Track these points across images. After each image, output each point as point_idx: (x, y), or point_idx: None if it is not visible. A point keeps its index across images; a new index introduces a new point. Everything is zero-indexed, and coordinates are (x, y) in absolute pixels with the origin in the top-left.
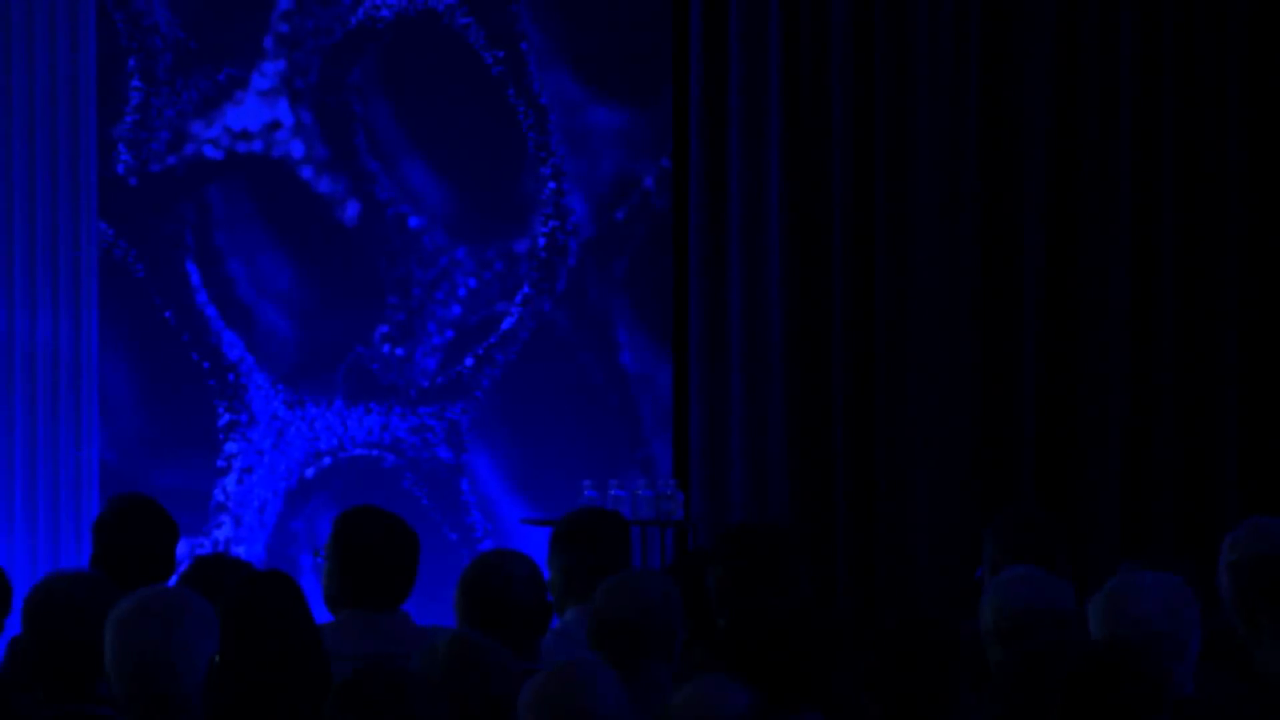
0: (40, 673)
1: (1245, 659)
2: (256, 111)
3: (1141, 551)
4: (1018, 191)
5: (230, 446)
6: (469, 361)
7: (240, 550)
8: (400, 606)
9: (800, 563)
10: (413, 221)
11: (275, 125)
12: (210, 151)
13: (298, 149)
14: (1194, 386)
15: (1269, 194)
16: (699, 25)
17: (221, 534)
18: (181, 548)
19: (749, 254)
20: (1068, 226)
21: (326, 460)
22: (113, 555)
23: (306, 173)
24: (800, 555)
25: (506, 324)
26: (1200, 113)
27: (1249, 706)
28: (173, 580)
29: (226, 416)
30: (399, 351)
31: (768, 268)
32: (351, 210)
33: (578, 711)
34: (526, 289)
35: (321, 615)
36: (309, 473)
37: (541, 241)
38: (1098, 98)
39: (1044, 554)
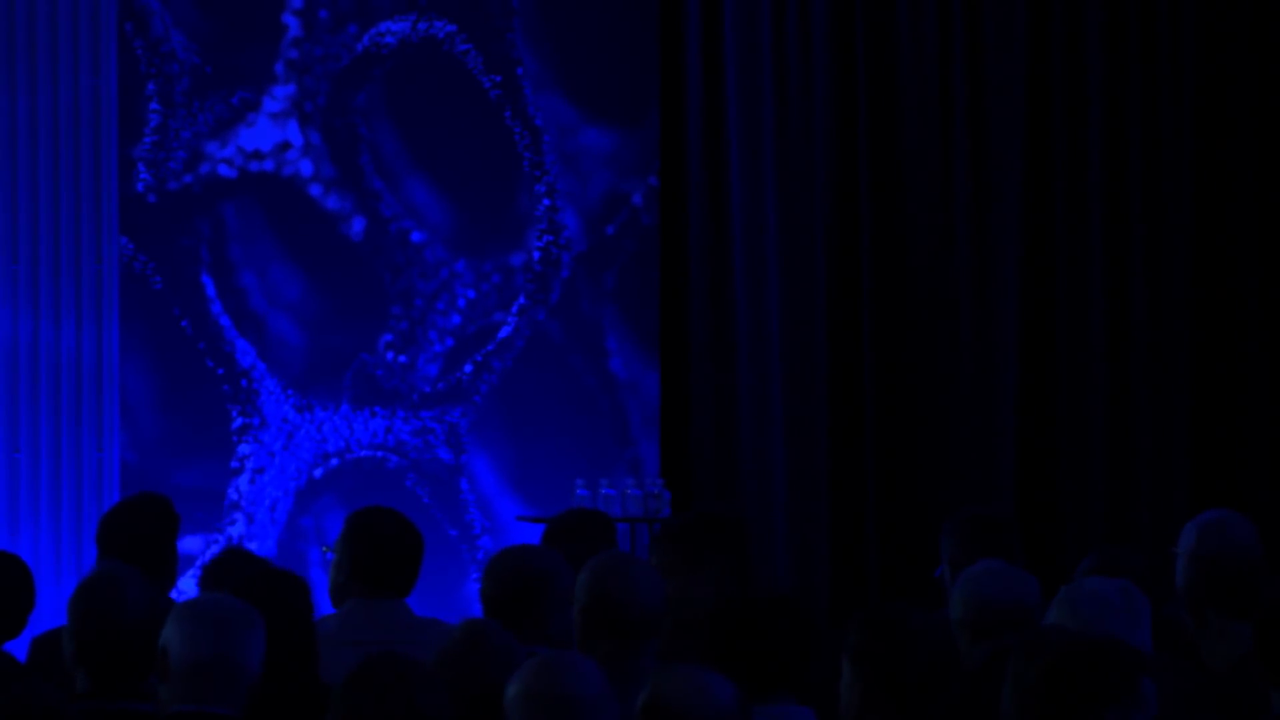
0: (92, 667)
1: (1192, 651)
2: (268, 133)
3: (1100, 546)
4: (1002, 202)
5: (243, 448)
6: (468, 368)
7: (253, 546)
8: (403, 598)
9: (739, 551)
10: (415, 236)
11: (285, 146)
12: (224, 171)
13: (307, 168)
14: (1162, 387)
15: (1225, 204)
16: (692, 50)
17: (235, 531)
18: (197, 544)
19: (742, 266)
20: (1046, 237)
21: (334, 461)
22: (116, 548)
23: (315, 191)
24: (737, 543)
25: (503, 333)
26: (1166, 115)
27: (1194, 698)
28: (192, 571)
29: (240, 420)
30: (402, 359)
31: (760, 277)
32: (357, 226)
33: (560, 701)
34: (522, 300)
35: (326, 607)
36: (317, 473)
37: (536, 255)
38: (1074, 118)
39: (1001, 550)
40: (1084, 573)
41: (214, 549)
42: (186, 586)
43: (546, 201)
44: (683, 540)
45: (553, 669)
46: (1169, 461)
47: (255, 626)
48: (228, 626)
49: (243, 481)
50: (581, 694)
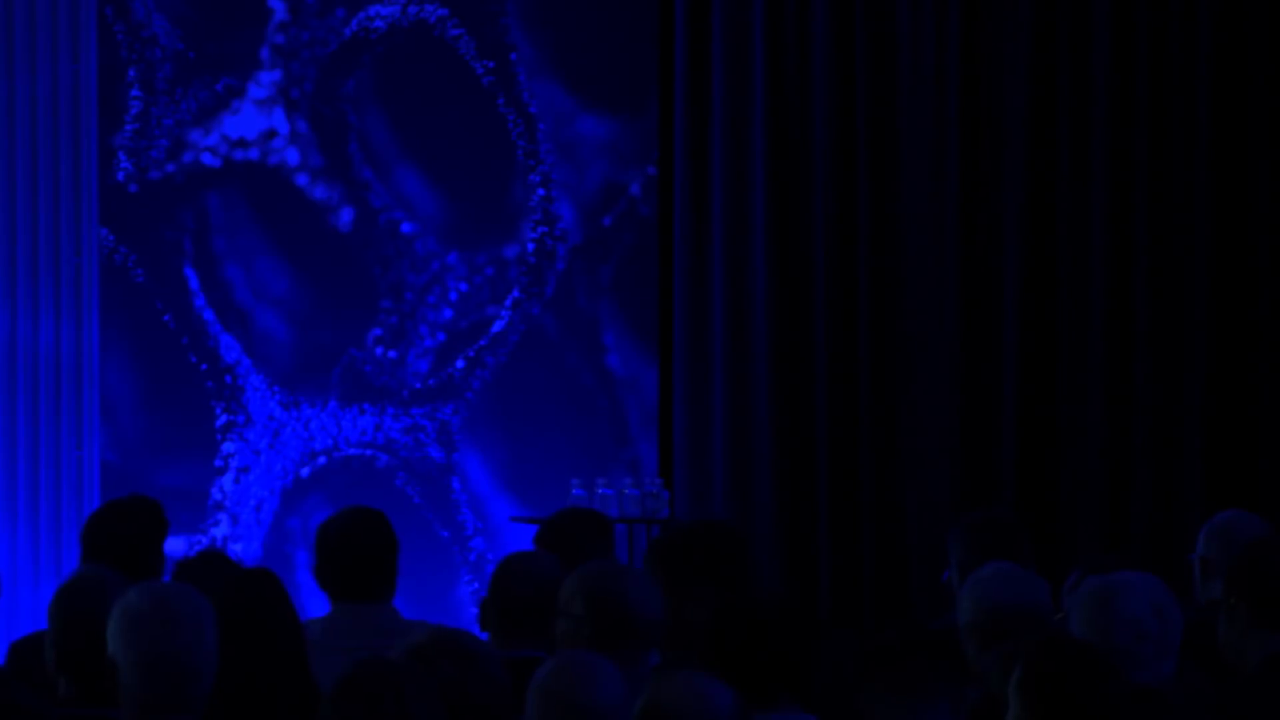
0: (74, 674)
1: (1212, 651)
2: (253, 120)
3: (1092, 556)
4: (998, 196)
5: (227, 446)
6: (460, 364)
7: (237, 548)
8: (390, 600)
9: (741, 561)
10: (405, 228)
11: (271, 134)
12: (208, 159)
13: (293, 157)
14: (1167, 387)
15: (1240, 195)
16: (684, 37)
17: (219, 532)
18: (180, 545)
19: (733, 259)
20: (1046, 233)
21: (321, 460)
22: (100, 551)
23: (302, 180)
24: (740, 553)
25: (496, 327)
26: (1174, 114)
27: (1214, 699)
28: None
29: (224, 417)
30: (392, 354)
31: (751, 272)
32: (346, 217)
33: (579, 704)
34: (516, 293)
35: (309, 611)
36: (304, 472)
37: (531, 247)
38: (1075, 110)
39: (1009, 554)
40: (1069, 589)
41: (197, 550)
42: None
43: (541, 192)
44: (673, 558)
45: (575, 672)
46: (1179, 461)
47: (208, 626)
48: (188, 647)
49: (227, 481)
50: (599, 701)
